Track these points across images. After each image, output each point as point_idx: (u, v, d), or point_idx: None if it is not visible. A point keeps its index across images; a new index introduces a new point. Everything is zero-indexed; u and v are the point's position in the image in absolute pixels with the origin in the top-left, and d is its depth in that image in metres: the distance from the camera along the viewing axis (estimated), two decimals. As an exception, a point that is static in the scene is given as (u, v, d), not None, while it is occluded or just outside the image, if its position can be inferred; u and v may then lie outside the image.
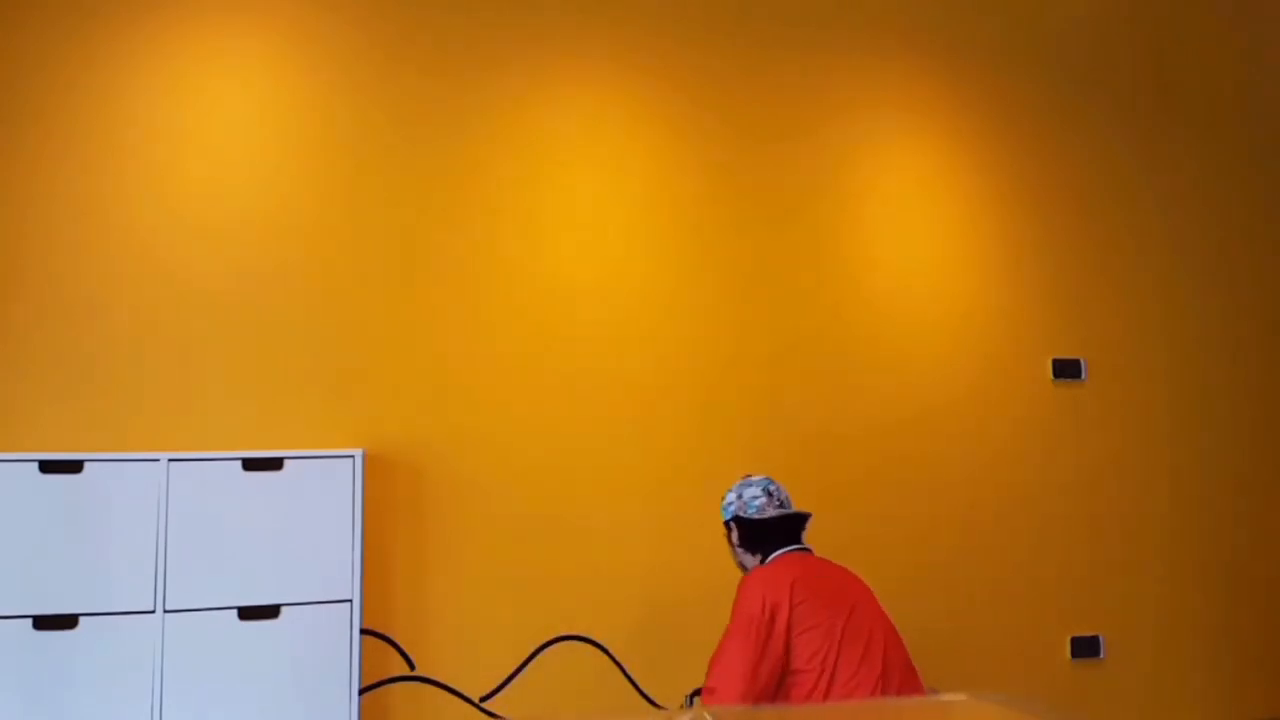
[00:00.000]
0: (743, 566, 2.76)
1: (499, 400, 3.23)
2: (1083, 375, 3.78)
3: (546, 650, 3.15)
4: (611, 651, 3.20)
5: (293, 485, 2.85)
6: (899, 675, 2.50)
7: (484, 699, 3.09)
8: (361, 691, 2.87)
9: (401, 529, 3.10)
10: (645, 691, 3.21)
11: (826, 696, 2.43)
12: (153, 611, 2.70)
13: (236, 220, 3.12)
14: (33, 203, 2.98)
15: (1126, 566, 3.72)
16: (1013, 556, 3.60)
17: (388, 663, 3.04)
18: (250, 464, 2.84)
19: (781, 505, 2.73)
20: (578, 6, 3.50)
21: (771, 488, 2.75)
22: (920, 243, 3.71)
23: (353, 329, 3.15)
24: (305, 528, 2.84)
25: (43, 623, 2.62)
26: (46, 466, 2.70)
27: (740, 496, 2.75)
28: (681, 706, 3.12)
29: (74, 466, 2.71)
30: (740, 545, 2.74)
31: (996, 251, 3.78)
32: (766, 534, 2.68)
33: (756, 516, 2.69)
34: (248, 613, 2.76)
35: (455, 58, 3.36)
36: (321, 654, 2.79)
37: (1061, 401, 3.75)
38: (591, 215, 3.41)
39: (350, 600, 2.84)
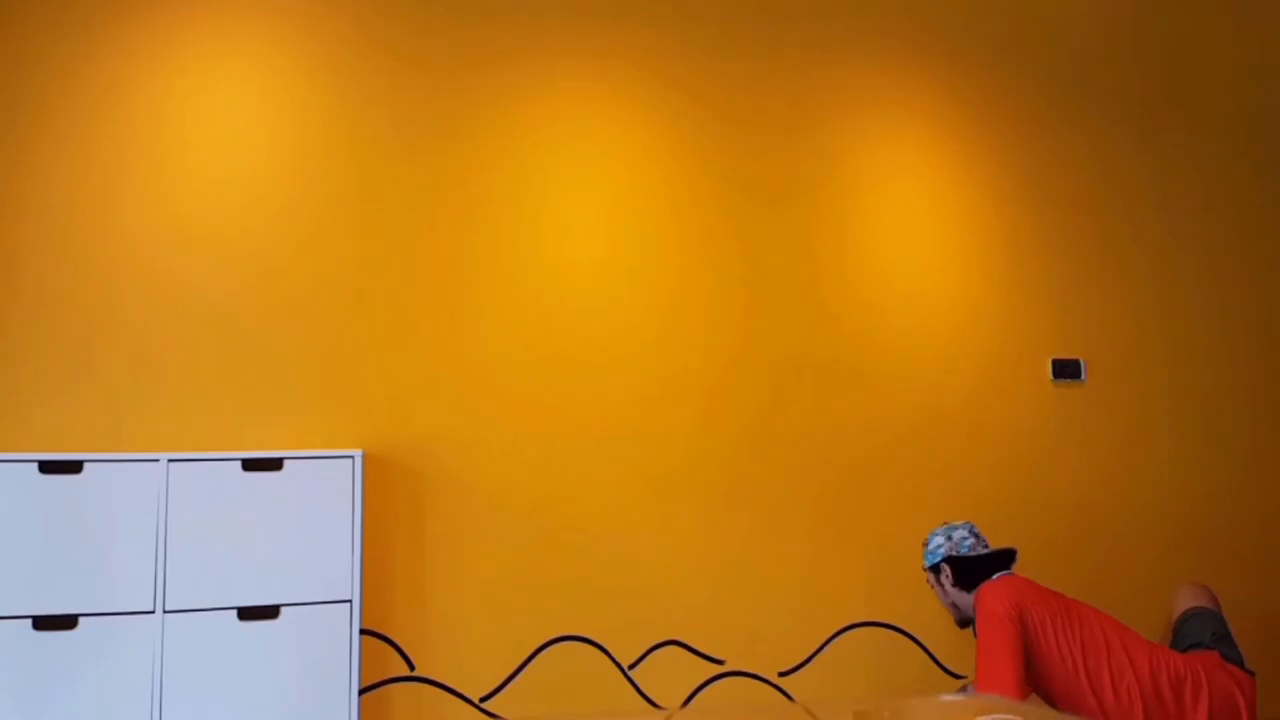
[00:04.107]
0: (955, 607, 2.86)
1: (499, 400, 3.23)
2: (1083, 375, 3.78)
3: (546, 650, 3.15)
4: (611, 652, 3.20)
5: (292, 485, 2.85)
6: (1137, 651, 2.66)
7: (484, 699, 3.09)
8: (361, 692, 2.87)
9: (401, 529, 3.10)
10: (645, 691, 3.21)
11: (1089, 687, 2.59)
12: (152, 612, 2.70)
13: (236, 219, 3.12)
14: (32, 202, 2.98)
15: (1126, 567, 3.72)
16: (1012, 556, 3.60)
17: (388, 663, 3.04)
18: (250, 464, 2.83)
19: (986, 546, 2.87)
20: (578, 5, 3.49)
21: (977, 530, 2.90)
22: (921, 242, 3.71)
23: (353, 329, 3.15)
24: (305, 528, 2.84)
25: (43, 623, 2.62)
26: (46, 466, 2.69)
27: (950, 538, 2.88)
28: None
29: (74, 467, 2.71)
30: (955, 584, 2.84)
31: (997, 251, 3.78)
32: (981, 569, 2.82)
33: (970, 554, 2.83)
34: (247, 613, 2.76)
35: (455, 56, 3.36)
36: (321, 654, 2.79)
37: (1061, 401, 3.75)
38: (593, 215, 3.41)
39: (350, 600, 2.84)
